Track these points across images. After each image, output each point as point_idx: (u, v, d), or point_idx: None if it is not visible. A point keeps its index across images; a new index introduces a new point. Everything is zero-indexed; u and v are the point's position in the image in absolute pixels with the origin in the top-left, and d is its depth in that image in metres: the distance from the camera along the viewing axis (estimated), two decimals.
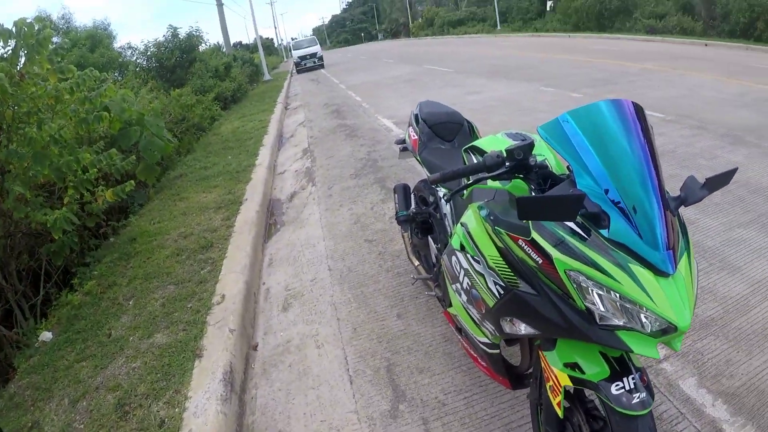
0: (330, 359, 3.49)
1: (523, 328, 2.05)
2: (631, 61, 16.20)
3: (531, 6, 50.14)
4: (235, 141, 9.92)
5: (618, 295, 1.67)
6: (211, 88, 16.88)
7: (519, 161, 2.03)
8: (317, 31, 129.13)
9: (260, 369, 3.52)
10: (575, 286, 1.75)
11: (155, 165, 6.93)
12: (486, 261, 2.17)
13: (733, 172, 1.90)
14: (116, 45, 28.49)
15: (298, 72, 32.76)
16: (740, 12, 23.81)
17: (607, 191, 1.74)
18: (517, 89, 12.87)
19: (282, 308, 4.15)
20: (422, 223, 3.62)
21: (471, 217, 2.36)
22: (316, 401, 3.15)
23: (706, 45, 21.05)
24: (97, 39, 28.07)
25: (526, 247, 1.91)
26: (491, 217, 2.13)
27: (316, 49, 34.29)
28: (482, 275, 2.21)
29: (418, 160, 3.66)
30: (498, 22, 49.84)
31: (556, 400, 1.99)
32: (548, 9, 46.14)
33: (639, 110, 1.89)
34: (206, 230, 5.42)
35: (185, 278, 4.42)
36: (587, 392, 1.98)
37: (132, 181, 5.25)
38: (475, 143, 2.74)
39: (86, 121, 5.22)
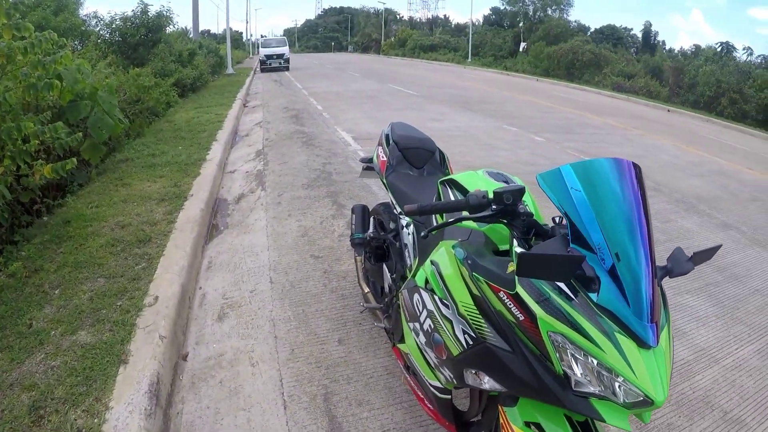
0: (264, 380, 3.28)
1: (486, 381, 1.92)
2: (594, 114, 16.61)
3: (504, 44, 51.58)
4: (188, 131, 9.60)
5: (596, 362, 1.58)
6: (172, 72, 16.44)
7: (506, 206, 1.89)
8: (288, 32, 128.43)
9: (189, 382, 3.26)
10: (555, 348, 1.64)
11: (102, 144, 6.58)
12: (456, 307, 2.02)
13: (717, 248, 1.86)
14: (82, 12, 27.59)
15: (262, 70, 32.47)
16: (707, 85, 24.94)
17: (600, 249, 1.65)
18: (479, 123, 12.97)
19: (217, 318, 3.91)
20: (377, 248, 3.46)
21: (444, 256, 2.20)
22: (246, 424, 2.94)
23: (668, 110, 21.89)
24: (63, 2, 27.20)
25: (507, 300, 1.78)
26: (469, 261, 1.98)
27: (285, 50, 34.03)
28: (449, 321, 2.06)
29: (383, 183, 3.49)
30: (470, 54, 50.96)
31: None
32: (521, 50, 47.37)
33: (638, 172, 1.80)
34: (146, 223, 5.12)
35: (118, 273, 4.12)
36: None
37: (74, 159, 4.91)
38: (454, 177, 2.59)
39: (35, 87, 4.85)
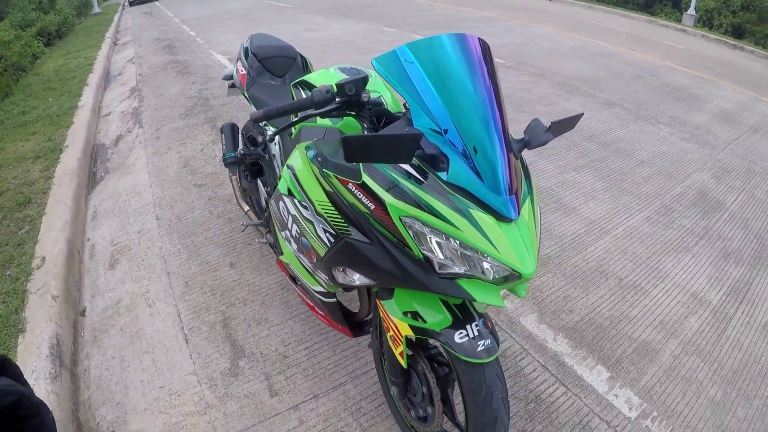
0: (163, 318, 3.21)
1: (357, 278, 1.89)
2: (474, 8, 16.39)
3: None
4: (57, 81, 8.89)
5: (458, 242, 1.53)
6: (34, 21, 15.01)
7: (350, 97, 1.81)
8: None
9: (90, 337, 3.14)
10: (411, 233, 1.59)
11: None
12: (314, 207, 1.96)
13: (579, 117, 1.81)
14: None
15: (131, 4, 30.26)
16: None
17: (446, 131, 1.58)
18: (356, 28, 12.57)
19: (109, 266, 3.74)
20: (251, 165, 3.32)
21: (298, 158, 2.12)
22: (152, 366, 2.88)
23: (550, 0, 21.54)
24: None
25: (356, 191, 1.71)
26: (319, 159, 1.90)
27: None
28: (311, 222, 2.00)
29: (246, 96, 3.34)
30: None
31: (398, 350, 1.87)
32: None
33: (485, 47, 1.71)
34: (23, 184, 4.78)
35: (2, 242, 3.87)
36: (430, 339, 1.86)
37: None
38: (306, 78, 2.49)
39: None
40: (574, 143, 5.64)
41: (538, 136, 1.75)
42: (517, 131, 1.71)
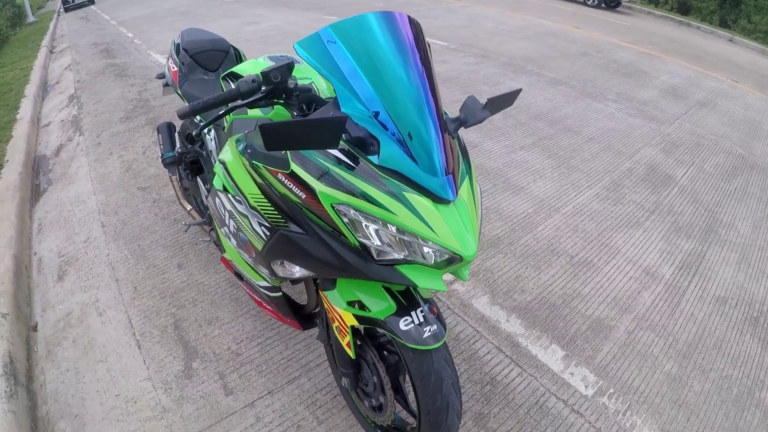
0: (114, 326, 3.16)
1: (297, 270, 1.86)
2: None
3: None
4: None
5: (394, 227, 1.50)
6: None
7: (276, 84, 1.74)
8: None
9: (44, 351, 3.08)
10: (345, 221, 1.56)
11: None
12: (247, 201, 1.93)
13: (517, 93, 1.78)
14: None
15: (66, 10, 29.32)
16: None
17: (377, 114, 1.53)
18: (297, 18, 12.45)
19: (57, 278, 3.67)
20: (191, 163, 3.24)
21: (228, 152, 2.09)
22: (107, 375, 2.85)
23: None
24: None
25: (286, 181, 1.68)
26: (248, 151, 1.87)
27: None
28: (246, 216, 1.97)
29: (179, 94, 3.26)
30: None
31: (345, 341, 1.86)
32: None
33: (414, 25, 1.66)
34: None
35: None
36: (377, 328, 1.84)
37: None
38: (234, 69, 2.44)
39: None
40: (521, 122, 5.67)
41: (474, 113, 1.73)
42: (455, 112, 1.69)
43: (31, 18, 25.96)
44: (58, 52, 12.94)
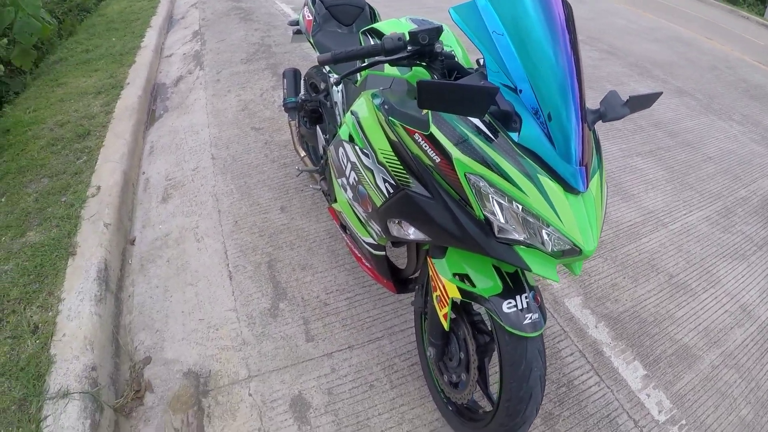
0: (209, 253, 3.23)
1: (411, 233, 1.83)
2: None
3: None
4: (121, 22, 8.99)
5: (521, 207, 1.46)
6: None
7: (423, 46, 1.72)
8: None
9: (137, 265, 3.21)
10: (475, 191, 1.51)
11: (32, 49, 6.19)
12: (376, 155, 1.91)
13: (657, 95, 1.69)
14: None
15: None
16: None
17: (521, 91, 1.48)
18: None
19: (161, 199, 3.80)
20: (311, 111, 3.28)
21: (363, 105, 2.07)
22: (194, 298, 2.92)
23: None
24: None
25: (422, 142, 1.65)
26: (386, 106, 1.85)
27: None
28: (371, 170, 1.95)
29: (311, 42, 3.30)
30: None
31: (443, 312, 1.82)
32: None
33: (567, 8, 1.60)
34: (84, 117, 4.85)
35: (60, 170, 3.94)
36: (475, 305, 1.80)
37: (0, 66, 4.64)
38: (375, 26, 2.41)
39: None
40: (641, 127, 5.43)
41: (614, 108, 1.66)
42: (589, 104, 1.62)
43: None
44: None
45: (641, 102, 1.68)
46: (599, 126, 5.10)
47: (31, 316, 2.62)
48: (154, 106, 5.53)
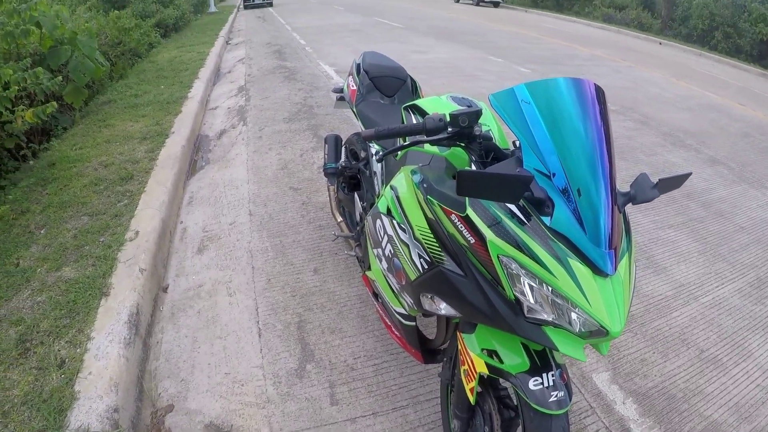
0: (240, 309, 3.34)
1: (443, 308, 1.91)
2: (583, 45, 16.32)
3: None
4: (170, 70, 9.43)
5: (551, 289, 1.54)
6: (153, 13, 15.97)
7: (462, 128, 1.85)
8: None
9: (168, 312, 3.34)
10: (506, 272, 1.61)
11: (84, 88, 6.50)
12: (413, 231, 2.01)
13: (687, 176, 1.78)
14: None
15: (245, 8, 31.50)
16: (700, 18, 23.69)
17: (554, 175, 1.59)
18: (463, 54, 12.76)
19: (197, 250, 3.95)
20: (350, 178, 3.45)
21: (402, 181, 2.18)
22: (222, 352, 3.01)
23: (660, 43, 21.23)
24: None
25: (458, 223, 1.75)
26: (424, 185, 1.96)
27: None
28: (407, 245, 2.05)
29: (354, 111, 3.46)
30: None
31: (469, 386, 1.89)
32: None
33: (600, 93, 1.74)
34: (128, 161, 5.10)
35: (101, 210, 4.14)
36: (502, 379, 1.86)
37: (54, 103, 4.89)
38: (417, 102, 2.55)
39: (12, 35, 4.80)
40: (674, 199, 5.49)
41: (644, 191, 1.74)
42: (617, 179, 1.71)
43: (212, 8, 28.13)
44: (234, 44, 13.96)
45: (671, 183, 1.76)
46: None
47: (59, 350, 2.73)
48: (196, 156, 5.77)
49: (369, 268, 2.65)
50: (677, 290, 3.93)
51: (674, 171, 6.01)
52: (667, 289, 3.93)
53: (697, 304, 3.82)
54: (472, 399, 1.92)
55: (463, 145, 1.93)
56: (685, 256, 4.39)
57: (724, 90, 12.11)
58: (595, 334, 1.56)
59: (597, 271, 1.53)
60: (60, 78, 5.40)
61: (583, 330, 1.56)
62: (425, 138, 1.93)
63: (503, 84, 9.48)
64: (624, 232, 1.70)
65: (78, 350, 2.72)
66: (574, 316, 1.55)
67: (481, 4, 33.10)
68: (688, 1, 26.34)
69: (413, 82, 3.57)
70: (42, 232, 3.87)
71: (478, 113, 1.86)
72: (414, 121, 2.48)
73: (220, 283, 3.58)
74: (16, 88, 4.70)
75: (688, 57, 18.30)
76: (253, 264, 3.77)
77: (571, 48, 15.58)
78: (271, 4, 31.86)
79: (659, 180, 1.73)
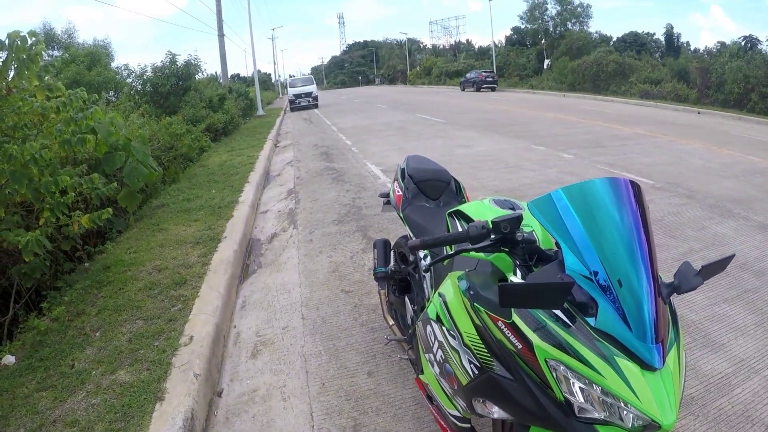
0: (295, 413, 3.35)
1: (495, 411, 1.94)
2: (623, 125, 16.49)
3: (528, 63, 51.16)
4: (221, 174, 9.84)
5: (600, 388, 1.58)
6: (203, 118, 16.82)
7: (505, 235, 1.92)
8: (315, 70, 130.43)
9: (223, 417, 3.36)
10: (555, 375, 1.65)
11: (137, 192, 6.82)
12: (462, 337, 2.07)
13: (730, 259, 1.83)
14: (114, 65, 28.52)
15: (292, 110, 32.81)
16: (735, 82, 24.03)
17: (596, 274, 1.65)
18: (506, 145, 13.01)
19: (251, 355, 4.01)
20: (400, 281, 3.52)
21: (449, 287, 2.26)
22: None
23: (699, 113, 21.50)
24: (96, 57, 28.20)
25: (505, 329, 1.81)
26: (471, 292, 2.04)
27: (312, 88, 34.32)
28: (457, 351, 2.11)
29: (401, 217, 3.57)
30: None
31: None
32: (545, 67, 47.05)
33: (637, 189, 1.80)
34: (182, 265, 5.28)
35: (155, 314, 4.27)
36: None
37: (109, 209, 5.14)
38: (461, 208, 2.66)
39: (69, 143, 5.10)
40: (727, 272, 5.30)
41: (688, 280, 1.77)
42: (664, 258, 1.74)
43: (260, 111, 29.32)
44: (282, 147, 14.46)
45: (714, 269, 1.80)
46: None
47: None
48: (248, 260, 5.94)
49: (422, 372, 2.69)
50: (737, 366, 3.84)
51: (727, 245, 5.94)
52: (726, 366, 3.84)
53: (758, 377, 3.72)
54: None
55: (507, 250, 1.99)
56: (742, 330, 4.29)
57: (766, 152, 12.01)
58: (649, 428, 1.56)
59: (645, 366, 1.56)
60: (115, 183, 5.66)
61: (635, 425, 1.57)
62: (470, 246, 2.00)
63: (546, 172, 9.66)
64: (671, 323, 1.73)
65: None
66: (624, 412, 1.57)
67: (482, 89, 39.82)
68: (721, 67, 26.67)
69: (457, 183, 3.67)
70: (97, 334, 4.00)
71: (519, 218, 1.94)
72: (459, 227, 2.57)
73: (274, 388, 3.61)
74: (73, 194, 4.96)
75: (728, 122, 18.40)
76: (307, 368, 3.81)
77: (611, 129, 15.78)
78: (316, 106, 33.05)
79: (702, 267, 1.77)
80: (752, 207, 7.51)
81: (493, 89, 39.88)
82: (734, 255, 1.94)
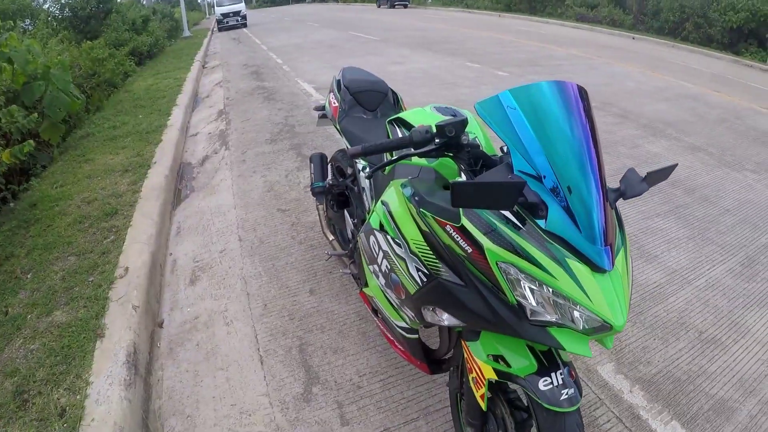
0: (240, 337, 3.30)
1: (445, 318, 1.92)
2: (558, 46, 16.54)
3: None
4: (147, 99, 9.40)
5: (551, 290, 1.56)
6: (127, 41, 15.91)
7: (450, 139, 1.84)
8: None
9: (166, 348, 3.28)
10: (506, 278, 1.62)
11: (60, 123, 6.44)
12: (408, 245, 2.00)
13: (673, 167, 1.81)
14: None
15: (220, 30, 31.56)
16: (671, 11, 23.96)
17: (544, 177, 1.60)
18: (441, 62, 12.84)
19: (189, 281, 3.91)
20: (338, 195, 3.44)
21: (393, 195, 2.18)
22: (225, 383, 2.97)
23: (633, 38, 21.76)
24: None
25: (454, 233, 1.75)
26: (416, 198, 1.96)
27: (241, 6, 32.85)
28: (403, 260, 2.05)
29: (337, 128, 3.45)
30: None
31: (479, 393, 1.88)
32: None
33: (583, 94, 1.75)
34: (111, 195, 5.05)
35: (87, 249, 4.08)
36: (512, 383, 1.86)
37: (31, 142, 4.82)
38: (401, 115, 2.55)
39: None
40: (659, 188, 5.52)
41: (633, 186, 1.77)
42: (614, 183, 1.72)
43: (186, 33, 28.14)
44: (210, 68, 13.95)
45: (658, 176, 1.79)
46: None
47: (59, 399, 2.66)
48: (180, 185, 5.74)
49: (366, 285, 2.64)
50: (670, 276, 3.98)
51: (659, 163, 6.09)
52: (660, 276, 3.97)
53: (691, 287, 3.87)
54: (483, 405, 1.92)
55: (451, 155, 1.93)
56: (674, 243, 4.44)
57: (698, 79, 12.30)
58: (600, 329, 1.57)
59: (595, 268, 1.55)
60: (36, 115, 5.35)
61: (587, 327, 1.57)
62: (413, 151, 1.92)
63: (481, 89, 9.60)
64: (617, 228, 1.72)
65: (78, 397, 2.65)
66: (576, 314, 1.56)
67: (396, 6, 41.32)
68: None
69: (395, 94, 3.57)
70: (29, 276, 3.79)
71: (464, 122, 1.86)
72: (399, 135, 2.47)
73: (216, 313, 3.54)
74: None
75: (662, 49, 18.63)
76: (248, 290, 3.74)
77: (546, 49, 15.76)
78: (245, 25, 31.93)
79: (647, 174, 1.76)
80: (684, 129, 7.69)
81: (405, 6, 41.11)
82: (677, 164, 1.93)
